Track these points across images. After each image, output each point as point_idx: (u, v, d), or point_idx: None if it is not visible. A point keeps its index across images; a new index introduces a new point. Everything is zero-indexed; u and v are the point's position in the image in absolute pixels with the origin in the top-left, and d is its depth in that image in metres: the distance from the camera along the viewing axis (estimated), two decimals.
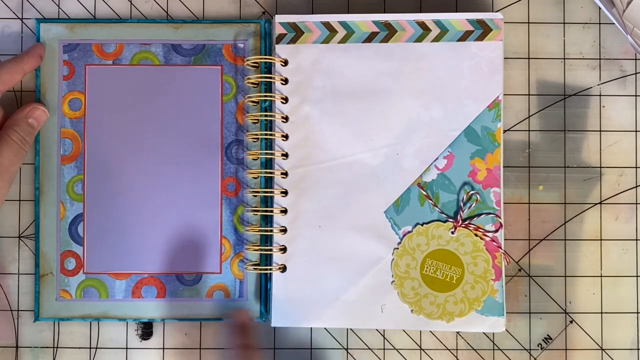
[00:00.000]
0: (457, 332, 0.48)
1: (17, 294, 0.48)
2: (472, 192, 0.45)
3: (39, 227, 0.48)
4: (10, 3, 0.49)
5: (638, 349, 0.48)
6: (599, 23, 0.49)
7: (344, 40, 0.47)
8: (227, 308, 0.48)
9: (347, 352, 0.49)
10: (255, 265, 0.47)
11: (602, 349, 0.48)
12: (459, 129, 0.46)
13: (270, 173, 0.47)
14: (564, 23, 0.50)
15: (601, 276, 0.49)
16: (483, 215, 0.46)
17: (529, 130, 0.49)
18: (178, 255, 0.48)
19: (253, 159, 0.48)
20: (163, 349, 0.48)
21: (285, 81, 0.47)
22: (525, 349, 0.48)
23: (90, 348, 0.48)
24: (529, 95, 0.49)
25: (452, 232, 0.45)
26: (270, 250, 0.47)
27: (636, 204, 0.49)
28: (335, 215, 0.46)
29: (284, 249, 0.46)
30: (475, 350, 0.48)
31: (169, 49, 0.48)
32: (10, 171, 0.45)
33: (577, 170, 0.49)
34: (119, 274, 0.48)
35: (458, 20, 0.46)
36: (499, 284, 0.45)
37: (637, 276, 0.49)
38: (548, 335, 0.48)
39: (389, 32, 0.47)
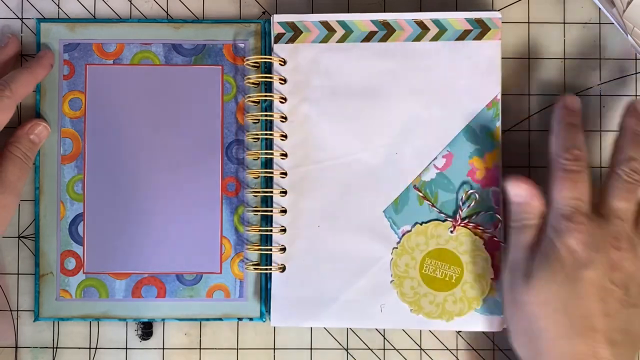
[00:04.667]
0: (458, 332, 0.51)
1: (16, 294, 0.50)
2: (471, 191, 0.47)
3: (38, 227, 0.50)
4: (10, 3, 0.51)
5: None
6: (599, 23, 0.51)
7: (342, 40, 0.49)
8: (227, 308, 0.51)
9: (347, 352, 0.51)
10: (255, 265, 0.50)
11: None
12: (457, 128, 0.48)
13: (270, 173, 0.49)
14: (564, 23, 0.52)
15: None
16: (482, 214, 0.48)
17: (529, 130, 0.51)
18: (178, 255, 0.50)
19: (253, 159, 0.50)
20: (163, 349, 0.50)
21: (284, 81, 0.49)
22: None
23: (90, 348, 0.50)
24: (529, 95, 0.52)
25: (451, 232, 0.48)
26: (270, 250, 0.49)
27: None
28: (334, 215, 0.48)
29: (283, 249, 0.49)
30: (475, 350, 0.51)
31: (170, 48, 0.50)
32: (17, 187, 0.47)
33: None
34: (119, 273, 0.50)
35: (456, 19, 0.48)
36: (498, 283, 0.47)
37: None
38: None
39: (387, 31, 0.49)
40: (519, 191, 0.45)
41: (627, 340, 0.42)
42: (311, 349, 0.51)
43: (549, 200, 0.44)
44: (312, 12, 0.51)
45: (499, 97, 0.48)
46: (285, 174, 0.49)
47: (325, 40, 0.49)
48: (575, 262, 0.42)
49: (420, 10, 0.51)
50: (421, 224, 0.48)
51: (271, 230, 0.49)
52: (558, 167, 0.44)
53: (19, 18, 0.51)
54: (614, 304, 0.41)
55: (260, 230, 0.49)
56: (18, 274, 0.51)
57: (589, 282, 0.41)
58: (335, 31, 0.49)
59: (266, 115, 0.49)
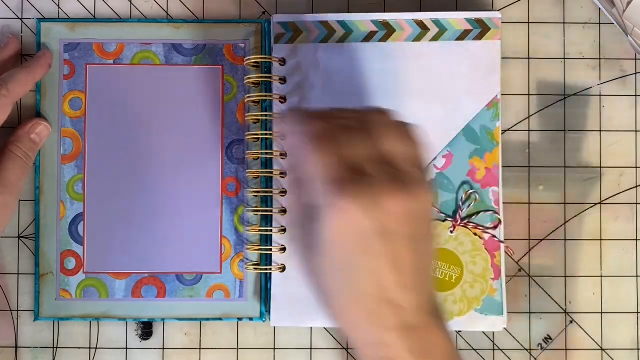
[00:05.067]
0: (457, 332, 0.51)
1: (16, 294, 0.51)
2: (470, 191, 0.48)
3: (39, 227, 0.50)
4: (10, 3, 0.51)
5: (638, 349, 0.51)
6: (599, 23, 0.52)
7: (342, 40, 0.49)
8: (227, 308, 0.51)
9: (347, 352, 0.52)
10: (255, 265, 0.50)
11: (602, 349, 0.51)
12: (457, 128, 0.49)
13: (270, 173, 0.50)
14: (564, 23, 0.52)
15: (601, 276, 0.51)
16: (482, 214, 0.48)
17: (529, 130, 0.51)
18: (178, 255, 0.50)
19: (253, 159, 0.50)
20: (163, 349, 0.51)
21: (284, 81, 0.50)
22: (525, 349, 0.51)
23: (90, 348, 0.51)
24: (529, 95, 0.52)
25: (451, 232, 0.48)
26: (270, 250, 0.49)
27: (636, 204, 0.51)
28: None
29: (283, 249, 0.49)
30: (475, 350, 0.51)
31: (170, 48, 0.51)
32: (17, 186, 0.48)
33: (577, 170, 0.51)
34: (119, 273, 0.50)
35: (456, 19, 0.49)
36: (498, 283, 0.48)
37: (637, 276, 0.51)
38: (548, 335, 0.51)
39: (387, 31, 0.49)
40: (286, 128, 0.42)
41: (421, 272, 0.38)
42: (311, 349, 0.51)
43: (307, 169, 0.39)
44: (312, 12, 0.52)
45: (499, 97, 0.49)
46: (285, 174, 0.49)
47: (325, 40, 0.49)
48: (357, 233, 0.36)
49: (420, 10, 0.52)
50: None
51: (271, 230, 0.49)
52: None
53: (19, 18, 0.52)
54: (403, 252, 0.37)
55: (260, 230, 0.49)
56: (18, 274, 0.51)
57: (377, 254, 0.37)
58: (335, 31, 0.49)
59: (266, 115, 0.49)
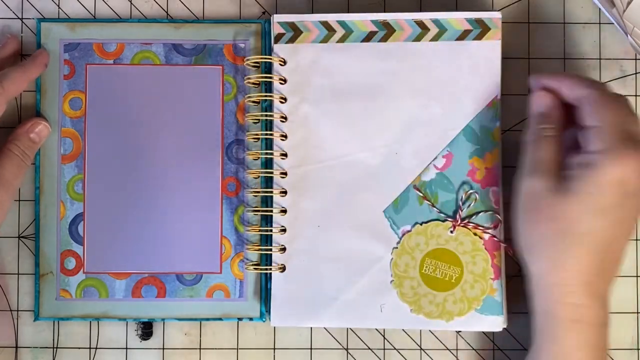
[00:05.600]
0: (457, 332, 0.51)
1: (16, 294, 0.51)
2: (470, 191, 0.48)
3: (39, 227, 0.50)
4: (10, 3, 0.52)
5: (638, 349, 0.52)
6: (599, 23, 0.52)
7: (342, 40, 0.50)
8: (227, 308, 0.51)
9: (347, 352, 0.52)
10: (255, 265, 0.50)
11: None
12: (457, 128, 0.49)
13: (270, 173, 0.50)
14: (564, 23, 0.52)
15: None
16: (482, 214, 0.48)
17: None
18: (178, 255, 0.50)
19: (253, 159, 0.51)
20: (163, 349, 0.51)
21: (284, 81, 0.50)
22: (525, 349, 0.51)
23: (90, 348, 0.51)
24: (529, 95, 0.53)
25: (451, 232, 0.48)
26: (270, 250, 0.49)
27: None
28: (334, 215, 0.49)
29: (283, 249, 0.49)
30: (475, 350, 0.51)
31: (170, 48, 0.51)
32: (13, 185, 0.48)
33: None
34: (119, 273, 0.50)
35: (456, 19, 0.49)
36: (498, 283, 0.48)
37: (637, 276, 0.51)
38: None
39: (387, 31, 0.50)
40: (543, 100, 0.46)
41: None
42: (311, 349, 0.51)
43: (595, 119, 0.43)
44: (312, 12, 0.52)
45: (499, 97, 0.49)
46: (285, 174, 0.49)
47: (325, 40, 0.49)
48: (624, 191, 0.42)
49: (420, 10, 0.52)
50: (421, 224, 0.49)
51: (271, 230, 0.49)
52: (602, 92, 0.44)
53: (19, 18, 0.52)
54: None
55: (260, 230, 0.50)
56: (18, 274, 0.51)
57: (633, 210, 0.43)
58: (335, 31, 0.49)
59: (266, 115, 0.50)
